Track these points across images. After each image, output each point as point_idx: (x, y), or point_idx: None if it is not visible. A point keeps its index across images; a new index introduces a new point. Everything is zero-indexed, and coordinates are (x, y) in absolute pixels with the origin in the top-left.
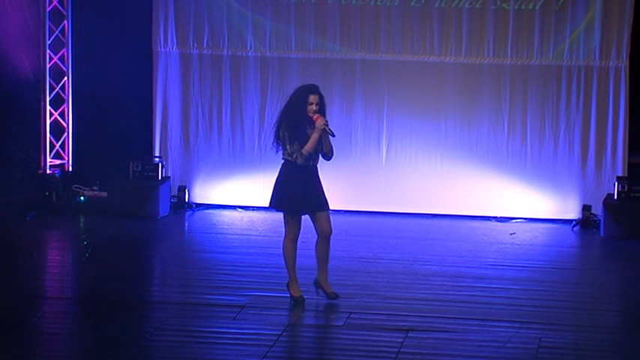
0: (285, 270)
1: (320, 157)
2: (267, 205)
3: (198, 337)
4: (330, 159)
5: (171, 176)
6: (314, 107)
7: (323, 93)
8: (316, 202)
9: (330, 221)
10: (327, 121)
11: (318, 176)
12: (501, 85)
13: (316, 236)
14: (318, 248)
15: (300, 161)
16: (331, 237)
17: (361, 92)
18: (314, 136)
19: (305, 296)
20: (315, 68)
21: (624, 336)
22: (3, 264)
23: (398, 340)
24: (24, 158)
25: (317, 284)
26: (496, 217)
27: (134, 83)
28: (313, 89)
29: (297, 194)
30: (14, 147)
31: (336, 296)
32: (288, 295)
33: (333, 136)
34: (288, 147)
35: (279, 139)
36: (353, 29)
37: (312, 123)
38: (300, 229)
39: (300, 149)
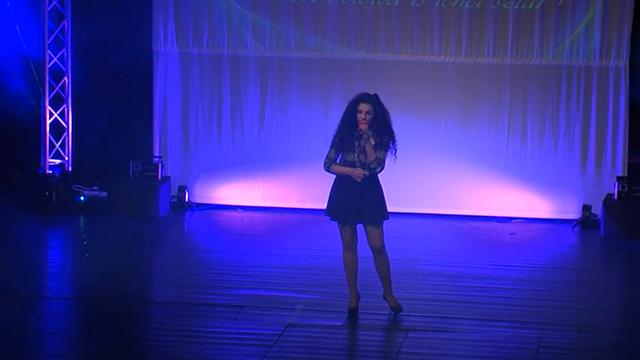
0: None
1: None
2: (267, 204)
3: (198, 337)
4: (377, 171)
5: (171, 176)
6: (362, 116)
7: (325, 93)
8: (362, 213)
9: (377, 235)
10: (363, 131)
11: (370, 186)
12: (501, 85)
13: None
14: (374, 262)
15: (325, 168)
16: (384, 249)
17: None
18: (343, 169)
19: (306, 296)
20: (315, 68)
21: (624, 336)
22: (3, 264)
23: (398, 340)
24: (24, 158)
25: (384, 298)
26: (496, 217)
27: (134, 83)
28: (364, 98)
29: (340, 203)
30: (14, 146)
31: (399, 309)
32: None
33: (375, 148)
34: (328, 152)
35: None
36: (353, 29)
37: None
38: (351, 238)
39: (334, 159)
